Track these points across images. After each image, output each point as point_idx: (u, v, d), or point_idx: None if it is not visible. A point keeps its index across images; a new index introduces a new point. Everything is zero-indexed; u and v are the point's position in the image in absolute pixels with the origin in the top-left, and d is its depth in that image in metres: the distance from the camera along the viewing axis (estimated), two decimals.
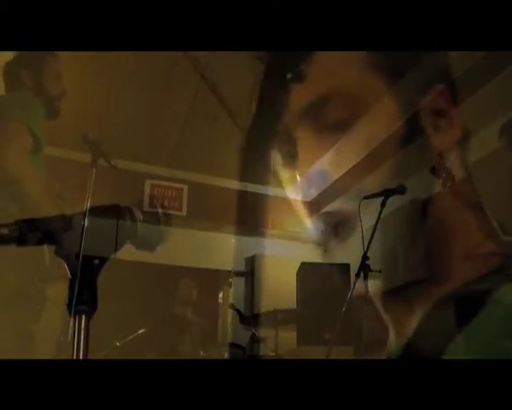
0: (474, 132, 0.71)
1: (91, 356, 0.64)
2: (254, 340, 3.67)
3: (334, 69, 0.66)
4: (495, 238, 0.64)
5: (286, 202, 0.75)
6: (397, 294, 0.68)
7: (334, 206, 0.73)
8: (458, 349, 0.50)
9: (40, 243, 0.67)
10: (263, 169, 0.71)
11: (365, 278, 1.47)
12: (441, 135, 0.67)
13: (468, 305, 0.56)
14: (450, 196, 0.66)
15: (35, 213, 0.70)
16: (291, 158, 0.69)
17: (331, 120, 0.66)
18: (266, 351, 3.58)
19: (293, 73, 0.64)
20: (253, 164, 0.66)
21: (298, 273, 3.49)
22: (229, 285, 4.53)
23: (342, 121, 0.66)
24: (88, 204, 2.52)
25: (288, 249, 4.84)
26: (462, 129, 0.69)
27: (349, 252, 0.83)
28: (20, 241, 0.65)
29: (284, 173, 0.73)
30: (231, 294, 4.61)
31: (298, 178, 0.69)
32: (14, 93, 2.61)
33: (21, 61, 2.59)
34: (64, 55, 2.67)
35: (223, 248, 4.86)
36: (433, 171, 0.67)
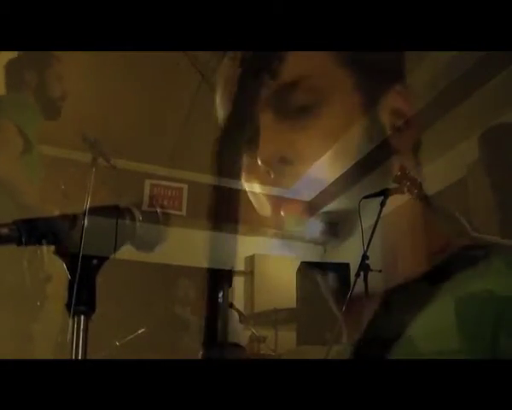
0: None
1: (91, 356, 0.64)
2: (254, 340, 3.67)
3: (302, 65, 0.65)
4: (467, 235, 0.65)
5: (285, 201, 0.75)
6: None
7: (333, 205, 0.73)
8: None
9: (39, 242, 0.67)
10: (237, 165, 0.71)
11: (365, 277, 1.47)
12: (398, 135, 0.67)
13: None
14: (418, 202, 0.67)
15: (27, 214, 0.70)
16: (253, 144, 0.69)
17: (293, 106, 0.66)
18: (266, 351, 3.58)
19: (266, 72, 0.64)
20: (229, 160, 0.66)
21: (298, 273, 3.49)
22: (229, 285, 4.53)
23: (305, 107, 0.66)
24: (88, 204, 2.52)
25: (287, 249, 4.83)
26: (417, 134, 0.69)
27: (349, 252, 0.83)
28: (20, 241, 0.65)
29: (246, 160, 0.72)
30: (231, 293, 4.60)
31: (259, 162, 0.68)
32: (6, 94, 2.61)
33: (25, 61, 2.61)
34: (64, 55, 2.68)
35: (223, 248, 4.84)
36: (396, 180, 0.68)
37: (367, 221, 0.74)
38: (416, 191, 0.66)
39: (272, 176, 0.69)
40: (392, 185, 0.71)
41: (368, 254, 0.92)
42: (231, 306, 4.03)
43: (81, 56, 2.73)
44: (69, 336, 0.62)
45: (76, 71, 2.95)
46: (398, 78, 0.68)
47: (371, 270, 1.44)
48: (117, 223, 0.70)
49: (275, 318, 3.70)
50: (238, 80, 0.63)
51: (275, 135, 0.67)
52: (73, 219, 0.68)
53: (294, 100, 0.65)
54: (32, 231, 0.66)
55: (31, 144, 2.44)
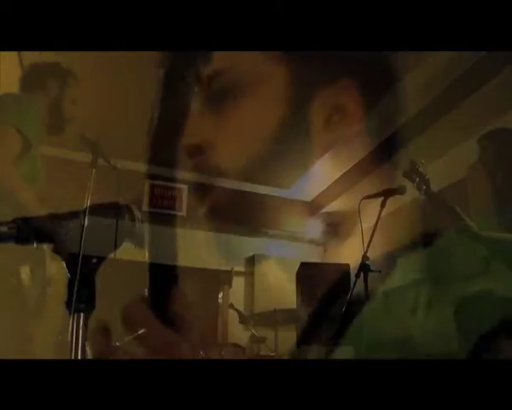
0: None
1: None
2: (254, 340, 3.67)
3: (227, 58, 0.65)
4: (472, 234, 0.64)
5: (286, 201, 0.75)
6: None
7: (334, 206, 0.73)
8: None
9: (38, 241, 0.67)
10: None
11: (365, 278, 1.47)
12: (331, 131, 0.66)
13: None
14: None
15: (26, 215, 0.70)
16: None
17: (213, 95, 0.66)
18: (266, 351, 3.58)
19: (192, 77, 0.64)
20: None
21: (298, 273, 3.49)
22: (230, 285, 4.53)
23: (224, 96, 0.66)
24: (87, 204, 2.52)
25: (288, 249, 4.84)
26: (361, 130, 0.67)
27: (349, 252, 0.83)
28: (19, 239, 0.65)
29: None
30: (231, 294, 4.60)
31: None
32: (5, 95, 2.62)
33: (51, 70, 2.63)
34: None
35: (223, 248, 4.85)
36: (406, 175, 0.68)
37: (367, 222, 0.74)
38: (424, 188, 0.66)
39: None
40: (393, 186, 0.71)
41: (368, 254, 0.92)
42: (231, 306, 4.03)
43: (81, 56, 2.74)
44: (69, 333, 0.62)
45: (76, 71, 2.96)
46: (342, 74, 0.66)
47: (371, 270, 1.44)
48: (117, 221, 0.70)
49: (275, 318, 3.70)
50: (163, 83, 0.62)
51: (195, 125, 0.68)
52: (72, 217, 0.68)
53: (214, 89, 0.66)
54: (30, 230, 0.66)
55: (30, 145, 2.44)
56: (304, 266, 3.62)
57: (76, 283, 0.65)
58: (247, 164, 0.67)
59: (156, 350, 0.50)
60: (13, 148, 2.39)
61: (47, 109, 2.64)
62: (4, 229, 0.65)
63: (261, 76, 0.66)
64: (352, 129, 0.66)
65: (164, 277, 0.53)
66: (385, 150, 0.69)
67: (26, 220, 0.67)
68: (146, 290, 0.52)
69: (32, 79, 2.66)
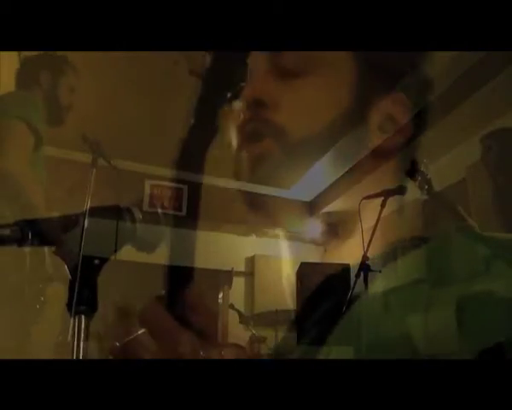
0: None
1: (91, 356, 0.64)
2: (254, 340, 3.67)
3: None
4: (475, 234, 0.65)
5: (286, 201, 0.75)
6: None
7: (334, 206, 0.73)
8: None
9: (41, 243, 0.68)
10: None
11: (365, 278, 1.47)
12: (383, 136, 0.68)
13: None
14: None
15: (33, 214, 0.70)
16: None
17: (284, 66, 0.68)
18: (266, 351, 3.57)
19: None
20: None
21: (298, 273, 3.49)
22: (230, 285, 4.53)
23: (294, 70, 0.68)
24: (88, 204, 2.52)
25: (288, 249, 4.82)
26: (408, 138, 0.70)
27: (349, 252, 0.84)
28: (21, 241, 0.65)
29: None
30: (231, 294, 4.60)
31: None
32: (15, 91, 2.61)
33: (42, 62, 2.62)
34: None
35: (223, 248, 4.85)
36: (409, 174, 0.69)
37: (367, 222, 0.74)
38: (426, 187, 0.67)
39: (241, 116, 0.71)
40: (393, 186, 0.71)
41: (368, 254, 0.92)
42: (231, 306, 4.03)
43: (81, 56, 2.74)
44: (70, 335, 0.62)
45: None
46: (399, 80, 0.69)
47: (371, 270, 1.43)
48: (117, 223, 0.70)
49: (275, 318, 3.69)
50: (199, 96, 0.63)
51: (260, 81, 0.70)
52: (74, 219, 0.69)
53: (286, 61, 0.68)
54: (33, 232, 0.66)
55: (41, 140, 2.43)
56: (304, 266, 3.61)
57: (77, 284, 0.65)
58: (307, 132, 0.69)
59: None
60: (26, 145, 2.37)
61: (44, 100, 2.62)
62: (7, 232, 0.65)
63: (329, 60, 0.68)
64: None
65: (179, 277, 0.53)
66: (385, 150, 0.69)
67: (28, 223, 0.67)
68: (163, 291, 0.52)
69: (26, 74, 2.65)
